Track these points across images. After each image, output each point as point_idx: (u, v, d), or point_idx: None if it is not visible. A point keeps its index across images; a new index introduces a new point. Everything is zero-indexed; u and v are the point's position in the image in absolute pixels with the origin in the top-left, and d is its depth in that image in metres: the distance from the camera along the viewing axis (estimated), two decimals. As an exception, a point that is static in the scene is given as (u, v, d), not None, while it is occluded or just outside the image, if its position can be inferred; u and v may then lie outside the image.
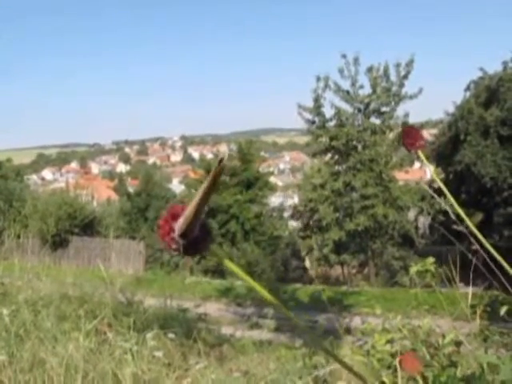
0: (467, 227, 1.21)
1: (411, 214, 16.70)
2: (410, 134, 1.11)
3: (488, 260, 1.75)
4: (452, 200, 1.17)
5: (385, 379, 1.50)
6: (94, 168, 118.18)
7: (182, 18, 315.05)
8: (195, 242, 0.65)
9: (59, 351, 2.56)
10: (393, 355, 1.54)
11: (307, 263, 21.11)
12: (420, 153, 1.12)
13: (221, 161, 0.63)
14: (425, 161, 1.16)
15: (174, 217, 0.65)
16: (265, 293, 0.76)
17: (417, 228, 17.05)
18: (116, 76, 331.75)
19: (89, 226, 21.15)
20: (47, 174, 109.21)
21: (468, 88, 20.05)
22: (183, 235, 0.64)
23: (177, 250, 0.65)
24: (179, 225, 0.64)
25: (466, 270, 2.23)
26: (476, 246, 1.72)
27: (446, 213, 14.90)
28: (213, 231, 0.68)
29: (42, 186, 46.09)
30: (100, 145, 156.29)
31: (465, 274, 2.27)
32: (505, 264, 1.08)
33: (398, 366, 1.39)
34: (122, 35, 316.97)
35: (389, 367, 1.54)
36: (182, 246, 0.64)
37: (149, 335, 3.05)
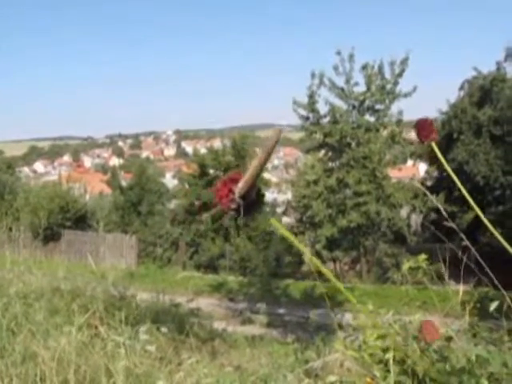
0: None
1: (403, 212, 16.77)
2: (424, 127, 1.12)
3: (478, 257, 1.77)
4: (462, 189, 1.18)
5: (376, 373, 1.52)
6: (87, 161, 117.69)
7: (178, 11, 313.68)
8: (252, 203, 0.72)
9: (51, 345, 2.56)
10: (384, 350, 1.56)
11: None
12: (433, 145, 1.14)
13: (279, 134, 0.69)
14: (437, 152, 1.17)
15: (233, 181, 0.72)
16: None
17: (409, 225, 17.13)
18: (111, 70, 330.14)
19: (81, 220, 21.08)
20: (39, 166, 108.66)
21: (462, 87, 20.14)
22: (243, 197, 0.70)
23: (236, 210, 0.70)
24: (240, 187, 0.69)
25: (458, 267, 2.25)
26: (466, 243, 1.73)
27: (438, 210, 14.98)
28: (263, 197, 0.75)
29: (34, 179, 45.79)
30: (93, 138, 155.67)
31: (456, 271, 2.29)
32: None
33: (389, 361, 1.41)
34: (117, 29, 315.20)
35: (380, 362, 1.56)
36: (242, 206, 0.70)
37: (141, 329, 3.05)
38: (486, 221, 1.16)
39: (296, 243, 0.80)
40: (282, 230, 0.81)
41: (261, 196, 0.74)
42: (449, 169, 1.23)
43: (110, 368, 2.42)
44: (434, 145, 1.17)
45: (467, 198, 1.18)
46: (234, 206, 0.72)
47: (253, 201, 0.72)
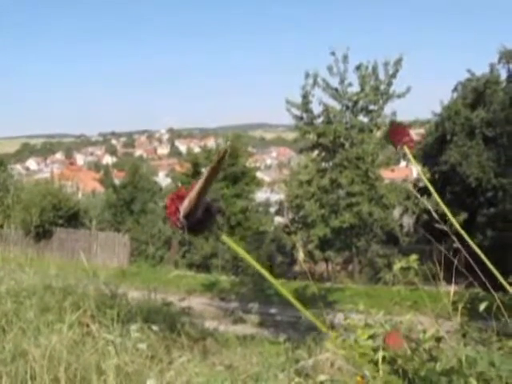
0: (450, 226, 1.23)
1: (396, 213, 16.83)
2: (397, 131, 1.13)
3: (469, 259, 1.78)
4: (438, 199, 1.20)
5: (366, 372, 1.53)
6: (80, 159, 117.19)
7: (172, 10, 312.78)
8: (198, 222, 0.71)
9: (42, 342, 2.54)
10: (375, 350, 1.57)
11: (300, 254, 21.18)
12: (406, 148, 1.14)
13: (225, 150, 0.69)
14: (410, 156, 1.18)
15: (180, 198, 0.71)
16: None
17: (401, 226, 17.20)
18: (105, 68, 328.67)
19: (73, 218, 20.97)
20: (32, 163, 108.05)
21: (455, 89, 20.26)
22: (187, 216, 0.70)
23: (181, 229, 0.70)
24: (183, 206, 0.70)
25: (449, 268, 2.27)
26: (457, 245, 1.74)
27: (430, 212, 15.01)
28: (216, 214, 0.74)
29: (27, 176, 45.56)
30: (86, 136, 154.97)
31: (448, 273, 2.31)
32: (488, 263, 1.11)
33: (379, 360, 1.41)
34: (111, 27, 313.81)
35: (371, 361, 1.56)
36: (185, 226, 0.70)
37: (132, 327, 3.05)
38: (459, 228, 1.17)
39: (249, 259, 0.83)
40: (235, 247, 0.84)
41: (211, 214, 0.74)
42: (426, 180, 1.24)
43: (100, 366, 2.41)
44: (406, 149, 1.18)
45: (444, 208, 1.19)
46: (179, 224, 0.71)
47: (198, 220, 0.72)
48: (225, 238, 0.81)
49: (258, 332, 10.24)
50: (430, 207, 1.74)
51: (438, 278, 2.17)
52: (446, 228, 1.77)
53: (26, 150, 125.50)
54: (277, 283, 0.82)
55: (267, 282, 16.43)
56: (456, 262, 2.08)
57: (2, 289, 3.61)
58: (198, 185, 0.70)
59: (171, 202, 0.71)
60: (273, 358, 3.50)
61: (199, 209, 0.71)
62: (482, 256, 1.12)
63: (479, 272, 1.77)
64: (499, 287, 1.99)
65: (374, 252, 16.99)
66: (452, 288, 2.06)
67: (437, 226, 1.99)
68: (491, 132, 18.11)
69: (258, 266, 0.84)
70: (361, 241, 16.18)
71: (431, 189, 1.19)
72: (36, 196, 19.82)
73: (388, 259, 15.61)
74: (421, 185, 19.23)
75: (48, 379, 2.25)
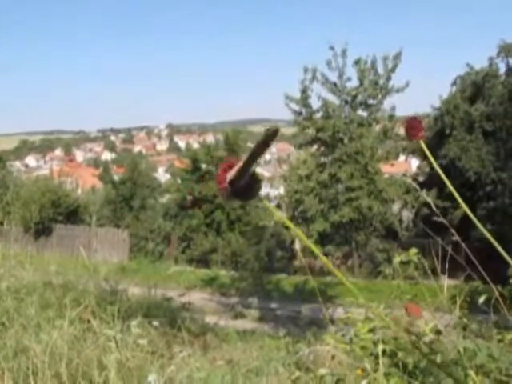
0: (450, 220, 1.24)
1: (395, 207, 16.83)
2: (413, 125, 1.16)
3: (468, 252, 1.79)
4: (449, 185, 1.21)
5: (367, 365, 1.54)
6: (79, 156, 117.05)
7: (170, 6, 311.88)
8: (245, 188, 0.78)
9: (43, 338, 2.55)
10: (375, 343, 1.57)
11: (297, 245, 21.24)
12: (422, 143, 1.18)
13: (276, 130, 0.75)
14: (426, 151, 1.22)
15: (230, 167, 0.78)
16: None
17: (401, 220, 17.21)
18: (104, 63, 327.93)
19: (73, 214, 20.98)
20: (31, 160, 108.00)
21: (454, 83, 20.21)
22: (232, 182, 0.76)
23: (229, 195, 0.78)
24: (230, 173, 0.77)
25: (449, 261, 2.27)
26: (456, 238, 1.75)
27: (430, 206, 15.01)
28: (260, 182, 0.80)
29: (26, 173, 45.46)
30: (85, 132, 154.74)
31: (448, 266, 2.31)
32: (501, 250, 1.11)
33: (379, 354, 1.42)
34: (110, 23, 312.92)
35: (371, 354, 1.57)
36: (230, 191, 0.77)
37: (133, 323, 3.06)
38: (474, 218, 1.18)
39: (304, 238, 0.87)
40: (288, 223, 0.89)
41: (256, 180, 0.80)
42: (438, 168, 1.26)
43: (102, 361, 2.42)
44: (422, 143, 1.21)
45: (455, 195, 1.21)
46: (226, 192, 0.79)
47: (245, 186, 0.78)
48: (266, 203, 0.87)
49: (258, 327, 10.28)
50: (430, 201, 1.75)
51: (437, 272, 2.18)
52: (445, 221, 1.77)
53: (25, 147, 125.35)
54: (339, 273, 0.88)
55: (266, 277, 16.48)
56: (455, 255, 2.08)
57: (2, 286, 3.62)
58: (245, 158, 0.76)
59: (223, 171, 0.78)
60: (273, 353, 3.52)
61: (245, 177, 0.77)
62: (496, 245, 1.13)
63: (478, 265, 1.77)
64: (499, 280, 2.00)
65: (374, 246, 17.00)
66: (446, 281, 2.07)
67: (436, 219, 2.00)
68: (490, 126, 18.09)
69: (323, 258, 0.90)
70: (360, 235, 16.19)
71: (446, 180, 1.20)
72: (35, 193, 19.82)
73: (388, 253, 15.63)
74: (420, 179, 19.24)
75: (50, 375, 2.26)
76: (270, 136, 0.74)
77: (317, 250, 0.85)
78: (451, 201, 15.37)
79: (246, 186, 0.78)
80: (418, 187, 2.71)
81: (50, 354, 2.37)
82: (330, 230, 15.70)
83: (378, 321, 1.63)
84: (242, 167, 0.76)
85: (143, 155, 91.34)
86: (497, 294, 1.61)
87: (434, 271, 2.18)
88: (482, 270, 1.73)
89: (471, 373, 1.29)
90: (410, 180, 15.51)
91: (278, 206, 23.47)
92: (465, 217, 16.07)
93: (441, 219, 1.79)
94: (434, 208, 1.76)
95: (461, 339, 1.49)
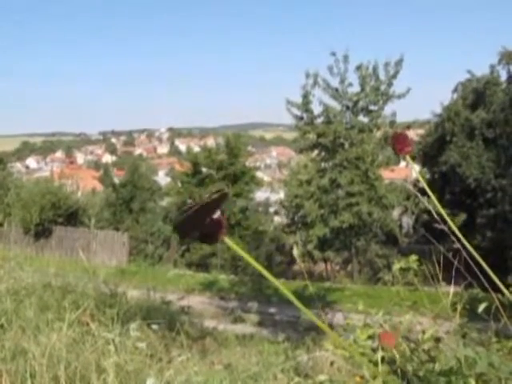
0: (450, 227, 1.24)
1: (395, 213, 16.83)
2: (399, 140, 1.18)
3: (469, 260, 1.78)
4: (435, 201, 1.22)
5: (365, 372, 1.53)
6: (80, 158, 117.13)
7: (171, 9, 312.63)
8: (207, 234, 0.80)
9: (42, 341, 2.55)
10: (374, 350, 1.57)
11: (295, 252, 21.23)
12: (408, 157, 1.20)
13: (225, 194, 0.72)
14: (412, 164, 1.24)
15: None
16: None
17: (401, 227, 17.20)
18: (105, 66, 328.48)
19: (73, 216, 20.96)
20: (31, 162, 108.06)
21: (455, 90, 20.25)
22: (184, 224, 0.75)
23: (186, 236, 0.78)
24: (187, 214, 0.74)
25: (449, 269, 2.27)
26: (458, 246, 1.75)
27: (430, 212, 15.00)
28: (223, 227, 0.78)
29: (26, 175, 45.50)
30: (86, 134, 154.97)
31: (448, 273, 2.31)
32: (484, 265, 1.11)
33: (379, 361, 1.42)
34: (112, 25, 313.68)
35: (370, 361, 1.57)
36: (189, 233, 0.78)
37: (132, 326, 3.05)
38: (455, 229, 1.20)
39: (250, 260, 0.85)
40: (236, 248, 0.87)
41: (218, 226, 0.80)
42: (425, 184, 1.28)
43: (100, 364, 2.42)
44: (408, 158, 1.24)
45: (440, 210, 1.21)
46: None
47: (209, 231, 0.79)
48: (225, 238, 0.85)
49: (257, 331, 10.25)
50: (431, 207, 1.75)
51: (437, 279, 2.17)
52: (445, 228, 1.77)
53: (26, 149, 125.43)
54: (277, 282, 0.83)
55: (266, 282, 16.46)
56: (456, 262, 2.08)
57: (1, 287, 3.61)
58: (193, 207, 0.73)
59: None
60: (272, 358, 3.51)
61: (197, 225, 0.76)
62: (479, 259, 1.13)
63: (478, 273, 1.77)
64: (498, 288, 1.99)
65: (374, 252, 16.99)
66: (451, 288, 2.07)
67: (436, 226, 2.00)
68: (491, 133, 18.12)
69: (256, 265, 0.86)
70: (360, 241, 16.18)
71: (429, 191, 1.22)
72: (36, 194, 19.81)
73: (387, 259, 15.61)
74: (421, 185, 19.22)
75: (48, 377, 2.26)
76: (219, 199, 0.72)
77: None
78: (450, 208, 15.37)
79: (209, 233, 0.77)
80: (418, 194, 2.71)
81: (49, 357, 2.37)
82: (329, 236, 15.69)
83: (377, 328, 1.63)
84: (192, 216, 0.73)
85: (144, 158, 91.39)
86: (497, 302, 1.61)
87: (432, 278, 2.18)
88: (482, 278, 1.73)
89: (472, 381, 1.28)
90: (410, 186, 15.50)
91: (278, 211, 23.48)
92: (464, 224, 16.07)
93: (441, 226, 1.79)
94: (435, 216, 1.76)
95: (461, 347, 1.49)
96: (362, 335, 1.64)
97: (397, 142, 1.18)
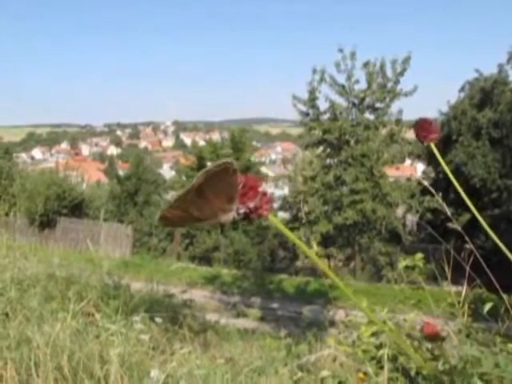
0: (461, 226, 1.24)
1: (400, 211, 16.79)
2: (424, 127, 1.12)
3: (480, 259, 1.78)
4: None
5: (369, 369, 1.54)
6: (85, 149, 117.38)
7: (178, 4, 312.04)
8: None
9: (46, 330, 2.57)
10: (377, 347, 1.57)
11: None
12: (432, 145, 1.13)
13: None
14: (437, 153, 1.16)
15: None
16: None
17: (404, 225, 17.17)
18: (111, 58, 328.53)
19: (77, 208, 21.04)
20: (37, 153, 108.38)
21: (463, 89, 20.14)
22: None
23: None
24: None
25: (454, 268, 2.27)
26: (470, 246, 1.74)
27: (433, 211, 14.99)
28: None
29: (32, 165, 45.64)
30: (92, 126, 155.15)
31: (452, 272, 2.31)
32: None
33: (382, 358, 1.42)
34: (117, 18, 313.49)
35: (373, 358, 1.57)
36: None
37: (135, 318, 3.07)
38: (484, 223, 1.16)
39: (295, 239, 0.77)
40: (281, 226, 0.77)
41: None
42: (449, 171, 1.22)
43: (103, 355, 2.43)
44: (433, 146, 1.16)
45: (466, 200, 1.18)
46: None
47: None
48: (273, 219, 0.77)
49: (259, 326, 10.29)
50: (444, 205, 1.74)
51: (444, 278, 2.17)
52: (458, 227, 1.76)
53: (32, 139, 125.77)
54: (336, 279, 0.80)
55: (269, 277, 16.48)
56: (462, 261, 2.08)
57: (6, 276, 3.64)
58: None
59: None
60: (274, 353, 3.52)
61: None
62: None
63: (489, 272, 1.77)
64: (502, 288, 1.99)
65: (377, 250, 16.96)
66: (464, 288, 2.06)
67: (442, 224, 2.00)
68: (497, 133, 18.02)
69: (314, 257, 0.81)
70: (363, 238, 16.16)
71: (433, 191, 1.20)
72: (41, 185, 19.88)
73: (390, 257, 15.59)
74: (426, 183, 19.16)
75: (51, 367, 2.27)
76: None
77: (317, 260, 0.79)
78: (455, 207, 15.31)
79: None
80: (433, 190, 2.67)
81: (53, 346, 2.38)
82: (333, 232, 15.69)
83: (381, 325, 1.63)
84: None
85: (149, 151, 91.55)
86: (507, 302, 1.60)
87: (439, 276, 2.17)
88: (492, 276, 1.73)
89: (476, 380, 1.28)
90: (415, 184, 15.45)
91: (282, 207, 23.47)
92: (468, 224, 15.99)
93: (454, 225, 1.78)
94: (448, 213, 1.75)
95: (468, 346, 1.49)
96: (366, 332, 1.64)
97: (421, 129, 1.11)
